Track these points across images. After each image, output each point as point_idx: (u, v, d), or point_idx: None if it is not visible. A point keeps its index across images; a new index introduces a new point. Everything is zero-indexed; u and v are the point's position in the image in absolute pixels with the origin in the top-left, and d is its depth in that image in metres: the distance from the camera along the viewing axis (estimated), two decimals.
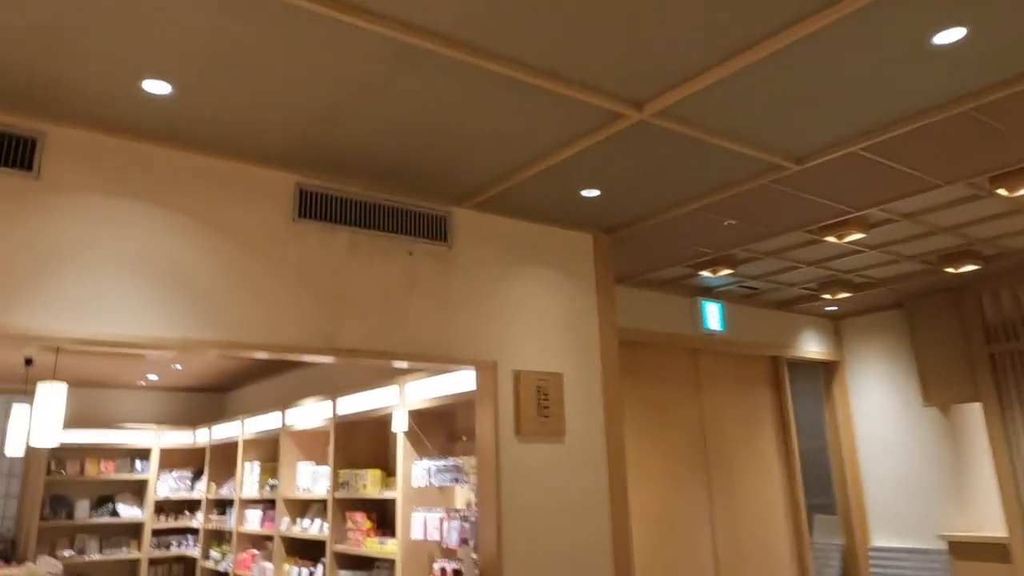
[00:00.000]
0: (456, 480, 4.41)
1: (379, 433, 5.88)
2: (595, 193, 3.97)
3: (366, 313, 3.60)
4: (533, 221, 4.36)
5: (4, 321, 2.73)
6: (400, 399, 4.95)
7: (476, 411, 3.98)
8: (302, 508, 6.31)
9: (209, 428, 8.16)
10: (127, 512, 8.18)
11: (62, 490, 7.99)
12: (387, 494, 4.97)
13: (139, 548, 8.11)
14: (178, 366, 7.34)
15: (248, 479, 7.08)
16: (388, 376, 5.18)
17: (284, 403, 6.54)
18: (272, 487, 6.58)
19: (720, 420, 6.49)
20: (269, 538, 6.80)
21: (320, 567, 5.64)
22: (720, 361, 6.73)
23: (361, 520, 5.21)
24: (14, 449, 6.26)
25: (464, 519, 4.27)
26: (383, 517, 5.50)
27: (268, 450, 7.30)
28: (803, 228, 4.59)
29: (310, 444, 6.54)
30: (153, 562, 8.24)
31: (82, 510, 7.94)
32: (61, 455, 7.98)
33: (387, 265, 3.74)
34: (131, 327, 2.97)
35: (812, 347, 7.25)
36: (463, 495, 4.83)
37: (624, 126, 3.14)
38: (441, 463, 4.60)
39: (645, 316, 6.04)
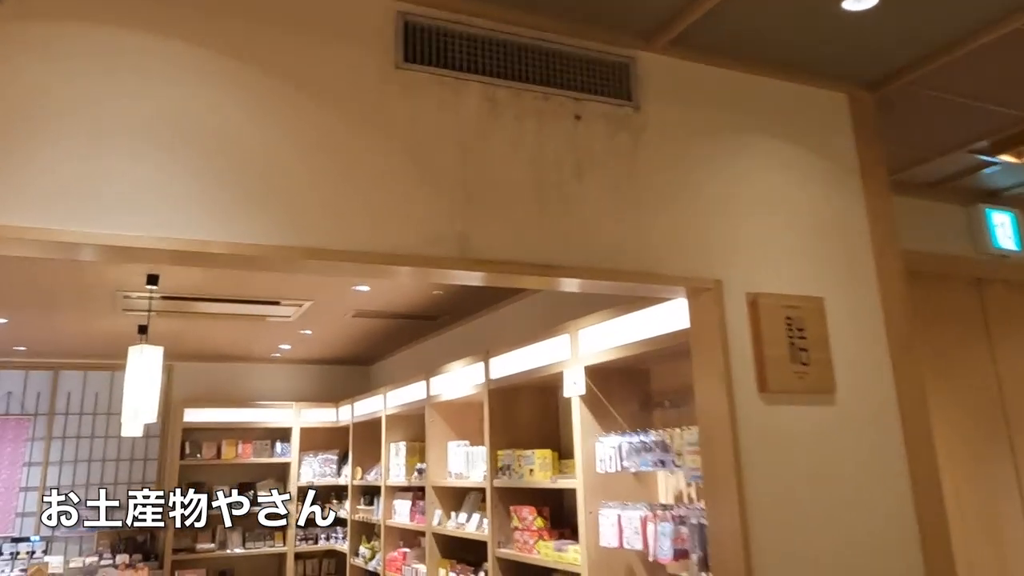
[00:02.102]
0: (661, 463, 3.22)
1: (546, 401, 4.79)
2: (867, 2, 2.59)
3: (512, 207, 2.47)
4: (756, 70, 3.04)
5: None
6: (572, 352, 3.81)
7: (693, 359, 2.76)
8: (456, 499, 5.38)
9: (351, 404, 7.49)
10: (269, 500, 7.69)
11: (199, 475, 7.62)
12: (562, 482, 3.87)
13: (284, 541, 7.62)
14: (308, 331, 6.65)
15: (394, 463, 6.28)
16: (553, 325, 4.06)
17: (429, 370, 5.62)
18: (420, 472, 5.72)
19: None
20: (421, 534, 5.97)
21: (482, 574, 4.67)
22: (1019, 294, 5.04)
23: (530, 516, 4.16)
24: (132, 428, 5.78)
25: (680, 520, 3.07)
26: (559, 512, 4.42)
27: (414, 428, 6.45)
28: None
29: (461, 418, 5.59)
30: (300, 556, 7.73)
31: (222, 499, 7.52)
32: (196, 437, 7.61)
33: (542, 136, 2.58)
34: (148, 226, 2.01)
35: None
36: (671, 484, 3.63)
37: None
38: (636, 439, 3.43)
39: (904, 232, 4.49)
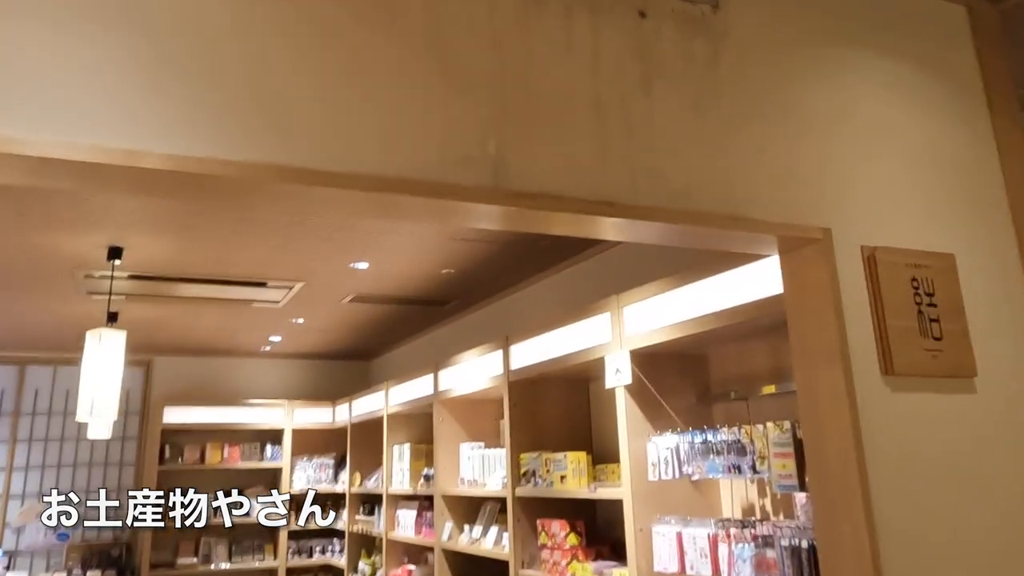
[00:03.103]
0: (736, 468, 2.64)
1: (576, 394, 4.22)
2: None
3: (561, 124, 1.89)
4: None
5: None
6: (615, 333, 3.23)
7: (792, 333, 2.18)
8: (470, 509, 4.80)
9: (349, 403, 6.92)
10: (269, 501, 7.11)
11: (180, 481, 7.02)
12: (604, 492, 3.29)
13: (275, 555, 7.04)
14: (300, 319, 6.08)
15: (397, 468, 5.70)
16: (583, 307, 3.48)
17: (438, 362, 5.05)
18: (427, 479, 5.14)
19: None
20: (428, 549, 5.39)
21: None
22: None
23: (561, 532, 3.58)
24: (97, 429, 5.21)
25: (763, 541, 2.49)
26: (596, 528, 3.86)
27: (420, 428, 5.88)
28: None
29: (475, 416, 5.01)
30: (293, 572, 7.16)
31: (221, 500, 6.95)
32: (177, 439, 7.04)
33: (598, 36, 2.00)
34: (77, 129, 1.43)
35: None
36: (739, 494, 3.05)
37: None
38: (699, 439, 2.85)
39: None
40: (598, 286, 4.27)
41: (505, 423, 4.05)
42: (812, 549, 2.30)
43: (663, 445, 2.97)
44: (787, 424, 2.45)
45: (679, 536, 2.81)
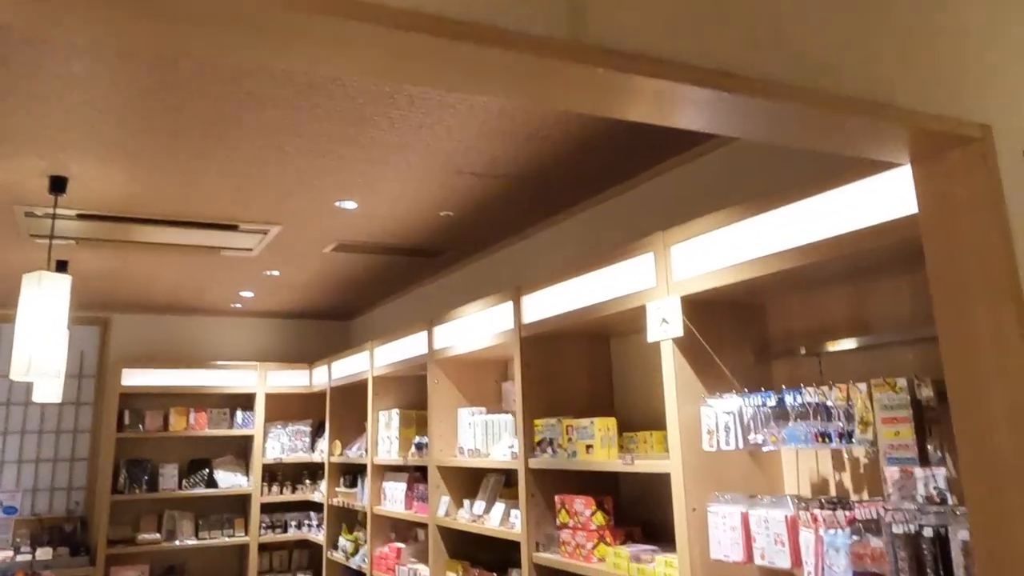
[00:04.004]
0: (825, 437, 2.18)
1: (600, 353, 3.75)
2: None
3: None
4: None
5: None
6: (661, 277, 2.75)
7: (931, 262, 1.71)
8: (470, 482, 4.35)
9: (328, 365, 6.41)
10: (228, 480, 6.63)
11: (141, 451, 6.52)
12: (643, 464, 2.82)
13: (246, 529, 6.55)
14: (275, 272, 5.54)
15: (383, 436, 5.22)
16: (609, 253, 3.00)
17: (433, 318, 4.55)
18: (419, 448, 4.66)
19: None
20: (420, 526, 4.94)
21: None
22: None
23: (586, 510, 3.12)
24: (45, 391, 4.67)
25: (866, 526, 2.04)
26: (620, 506, 3.42)
27: (410, 392, 5.40)
28: None
29: (474, 378, 4.54)
30: (266, 547, 6.68)
31: (169, 479, 6.45)
32: (138, 404, 6.49)
33: None
34: None
35: None
36: (806, 466, 2.60)
37: None
38: (769, 401, 2.39)
39: None
40: (624, 230, 3.79)
41: (515, 385, 3.58)
42: (938, 539, 1.85)
43: (722, 409, 2.51)
44: (901, 382, 1.99)
45: (745, 518, 2.36)
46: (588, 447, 3.12)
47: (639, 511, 3.39)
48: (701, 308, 2.72)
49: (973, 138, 1.64)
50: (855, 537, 2.05)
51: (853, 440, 2.11)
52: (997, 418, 1.56)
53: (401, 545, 4.92)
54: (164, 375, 6.54)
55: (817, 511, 2.15)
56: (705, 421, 2.57)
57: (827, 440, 2.18)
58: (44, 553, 5.87)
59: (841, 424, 2.17)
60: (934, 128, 1.60)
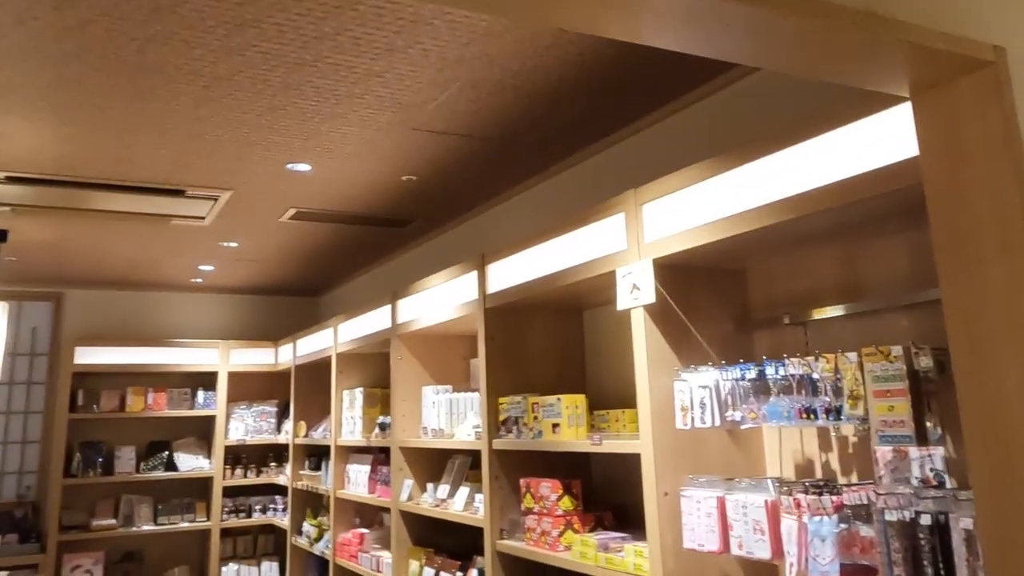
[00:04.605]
0: (810, 413, 1.97)
1: (570, 326, 3.54)
2: None
3: None
4: None
5: None
6: (631, 239, 2.53)
7: (933, 210, 1.49)
8: (435, 465, 4.13)
9: (294, 343, 6.17)
10: (189, 463, 6.39)
11: (96, 432, 6.26)
12: (612, 444, 2.61)
13: (208, 514, 6.33)
14: (232, 243, 5.28)
15: (347, 416, 5.00)
16: (578, 217, 2.78)
17: (396, 291, 4.32)
18: (383, 428, 4.44)
19: None
20: (384, 510, 4.73)
21: (474, 573, 3.44)
22: None
23: (552, 494, 2.91)
24: None
25: (855, 513, 1.83)
26: (592, 489, 3.22)
27: (375, 369, 5.18)
28: None
29: (441, 355, 4.32)
30: (229, 533, 6.46)
31: (126, 462, 6.21)
32: (92, 384, 6.23)
33: None
34: None
35: None
36: (789, 446, 2.39)
37: None
38: (748, 373, 2.18)
39: None
40: (598, 193, 3.57)
41: (480, 360, 3.35)
42: (936, 528, 1.65)
43: (697, 383, 2.29)
44: (896, 350, 1.78)
45: (721, 503, 2.15)
46: (555, 426, 2.90)
47: (611, 495, 3.19)
48: (676, 273, 2.50)
49: (985, 62, 1.42)
50: (843, 525, 1.84)
51: (842, 416, 1.90)
52: (1009, 389, 1.35)
53: (365, 531, 4.71)
54: (121, 353, 6.28)
55: (801, 496, 1.94)
56: (679, 396, 2.35)
57: (812, 416, 1.97)
58: None
59: (828, 399, 1.96)
60: (939, 48, 1.38)
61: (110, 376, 6.31)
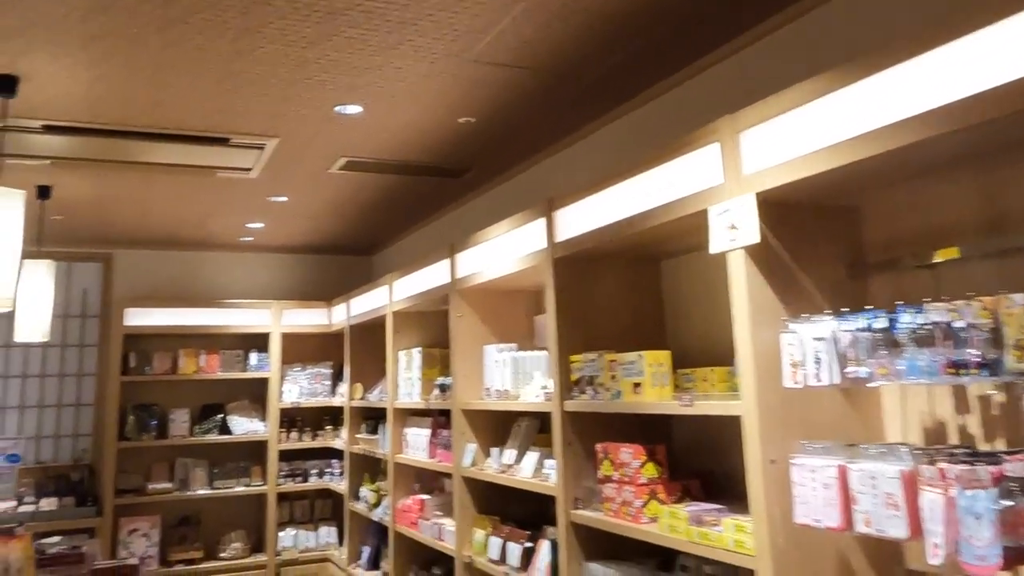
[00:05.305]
0: (959, 366, 1.66)
1: (647, 277, 3.26)
2: None
3: None
4: None
5: None
6: (729, 171, 2.22)
7: None
8: (499, 427, 3.91)
9: (347, 302, 5.99)
10: (243, 426, 6.30)
11: (149, 395, 6.20)
12: (705, 405, 2.34)
13: (263, 478, 6.24)
14: (281, 197, 5.08)
15: (404, 378, 4.80)
16: (653, 157, 2.48)
17: (455, 243, 4.08)
18: (442, 389, 4.23)
19: None
20: (446, 476, 4.54)
21: (546, 545, 3.21)
22: None
23: (635, 461, 2.65)
24: (29, 331, 4.32)
25: (1016, 487, 1.54)
26: (672, 455, 2.95)
27: (433, 328, 4.96)
28: None
29: (504, 311, 4.08)
30: (286, 497, 6.37)
31: (180, 425, 6.13)
32: (144, 346, 6.15)
33: None
34: None
35: None
36: (916, 406, 2.09)
37: None
38: (877, 323, 1.87)
39: None
40: (676, 130, 3.25)
41: (548, 316, 3.10)
42: None
43: (811, 335, 1.99)
44: None
45: (843, 472, 1.86)
46: (636, 386, 2.63)
47: (695, 462, 2.92)
48: (779, 211, 2.19)
49: None
50: (1005, 501, 1.55)
51: (1001, 372, 1.59)
52: None
53: (425, 497, 4.53)
54: (172, 315, 6.18)
55: (947, 465, 1.65)
56: (787, 350, 2.06)
57: (961, 372, 1.66)
58: (49, 503, 5.61)
59: (977, 351, 1.65)
60: None
61: (161, 338, 6.22)
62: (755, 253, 2.14)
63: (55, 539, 4.32)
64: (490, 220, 4.19)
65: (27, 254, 3.34)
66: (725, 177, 2.24)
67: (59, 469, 5.93)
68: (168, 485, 5.98)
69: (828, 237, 2.28)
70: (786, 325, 2.08)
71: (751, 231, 2.11)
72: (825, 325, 1.98)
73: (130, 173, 4.46)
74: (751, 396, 2.08)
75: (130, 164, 4.25)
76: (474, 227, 4.82)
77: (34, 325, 4.30)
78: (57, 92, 3.25)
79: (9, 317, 5.86)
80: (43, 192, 4.61)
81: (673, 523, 2.37)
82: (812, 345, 1.99)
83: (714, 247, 2.23)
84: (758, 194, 2.12)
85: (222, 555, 6.00)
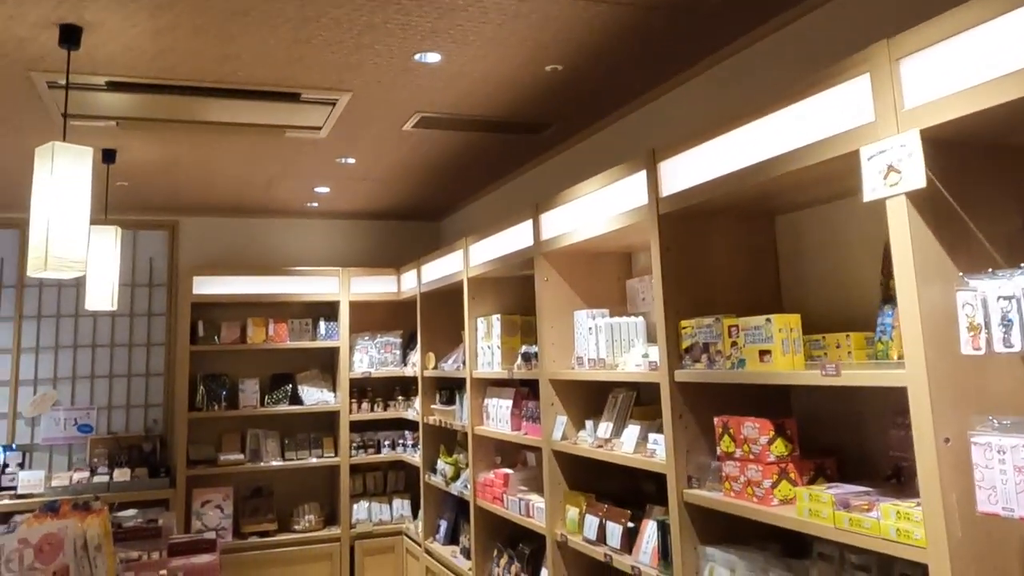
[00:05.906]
0: None
1: (763, 233, 3.00)
2: None
3: None
4: None
5: None
6: (884, 106, 1.93)
7: None
8: (592, 399, 3.68)
9: (418, 268, 5.81)
10: (313, 397, 6.20)
11: (218, 365, 6.12)
12: (854, 375, 2.07)
13: (335, 449, 6.14)
14: (350, 159, 4.89)
15: (483, 346, 4.60)
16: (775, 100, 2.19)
17: (539, 203, 3.84)
18: (527, 359, 4.02)
19: None
20: (529, 448, 4.34)
21: (652, 525, 2.98)
22: None
23: (761, 436, 2.41)
24: (99, 299, 4.23)
25: None
26: (804, 430, 2.69)
27: (512, 294, 4.74)
28: None
29: (595, 274, 3.85)
30: (358, 469, 6.27)
31: (250, 395, 6.06)
32: (213, 315, 6.07)
33: None
34: None
35: None
36: None
37: None
38: None
39: None
40: (792, 70, 2.95)
41: (654, 277, 2.84)
42: None
43: (996, 293, 1.71)
44: None
45: None
46: (763, 353, 2.37)
47: (820, 438, 2.66)
48: (945, 152, 1.89)
49: None
50: None
51: None
52: None
53: (508, 471, 4.34)
54: (239, 283, 6.08)
55: None
56: (964, 311, 1.78)
57: None
58: (122, 474, 5.59)
59: None
60: None
61: (229, 307, 6.13)
62: (919, 200, 1.86)
63: (131, 512, 4.26)
64: (569, 181, 3.92)
65: (94, 220, 3.20)
66: (876, 114, 1.95)
67: (131, 439, 5.92)
68: (240, 456, 5.91)
69: (1003, 182, 1.98)
70: (965, 282, 1.80)
71: (916, 174, 1.83)
72: (1016, 282, 1.70)
73: (196, 135, 4.31)
74: (919, 364, 1.81)
75: (196, 125, 4.10)
76: (550, 189, 4.57)
77: (103, 293, 4.20)
78: (121, 45, 3.08)
79: (78, 286, 5.83)
80: (108, 156, 4.50)
81: (816, 507, 2.12)
82: (998, 306, 1.71)
83: (869, 194, 1.94)
84: (922, 131, 1.84)
85: (295, 527, 5.93)
